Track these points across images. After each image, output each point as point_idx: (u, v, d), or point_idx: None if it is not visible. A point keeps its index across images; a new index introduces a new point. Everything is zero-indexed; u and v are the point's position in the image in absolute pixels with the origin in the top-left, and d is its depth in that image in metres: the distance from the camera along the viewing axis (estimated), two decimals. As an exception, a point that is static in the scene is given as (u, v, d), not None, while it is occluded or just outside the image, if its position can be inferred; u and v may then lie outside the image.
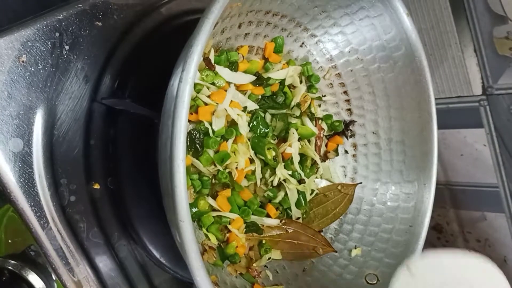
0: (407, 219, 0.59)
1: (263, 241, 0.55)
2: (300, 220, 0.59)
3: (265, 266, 0.56)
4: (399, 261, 0.56)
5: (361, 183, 0.62)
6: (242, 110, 0.53)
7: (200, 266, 0.38)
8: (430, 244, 0.90)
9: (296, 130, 0.59)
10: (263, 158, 0.54)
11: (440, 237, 0.88)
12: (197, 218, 0.51)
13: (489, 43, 0.69)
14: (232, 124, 0.52)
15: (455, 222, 0.85)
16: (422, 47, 0.57)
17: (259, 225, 0.55)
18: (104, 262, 0.50)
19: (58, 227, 0.46)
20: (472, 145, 0.77)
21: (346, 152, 0.64)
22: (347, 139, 0.63)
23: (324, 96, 0.63)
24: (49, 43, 0.47)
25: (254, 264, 0.54)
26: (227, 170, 0.52)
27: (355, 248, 0.59)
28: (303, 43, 0.60)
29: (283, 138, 0.59)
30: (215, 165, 0.50)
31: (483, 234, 0.82)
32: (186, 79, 0.37)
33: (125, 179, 0.51)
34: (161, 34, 0.55)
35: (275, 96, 0.58)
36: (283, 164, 0.57)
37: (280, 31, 0.58)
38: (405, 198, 0.60)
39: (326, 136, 0.64)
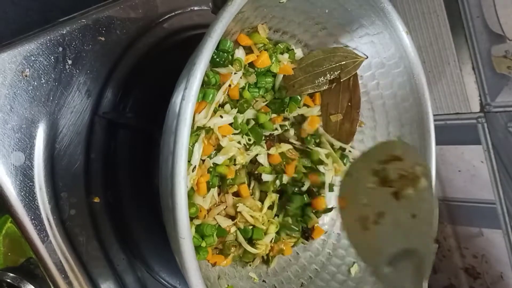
0: (405, 235, 0.59)
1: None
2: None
3: (264, 281, 0.56)
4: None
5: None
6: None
7: (200, 282, 0.39)
8: (427, 259, 0.89)
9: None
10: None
11: (437, 252, 0.88)
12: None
13: (487, 61, 0.69)
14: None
15: (452, 238, 0.85)
16: (421, 65, 0.57)
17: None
18: (102, 276, 0.50)
19: (58, 241, 0.47)
20: (469, 161, 0.77)
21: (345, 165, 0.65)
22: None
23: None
24: (52, 57, 0.47)
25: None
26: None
27: (353, 264, 0.59)
28: (303, 59, 0.61)
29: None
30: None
31: (479, 250, 0.82)
32: (189, 97, 0.38)
33: (124, 193, 0.51)
34: (162, 49, 0.56)
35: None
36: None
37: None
38: (403, 214, 0.60)
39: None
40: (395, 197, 0.48)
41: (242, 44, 0.52)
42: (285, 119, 0.59)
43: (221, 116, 0.50)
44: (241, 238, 0.54)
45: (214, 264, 0.53)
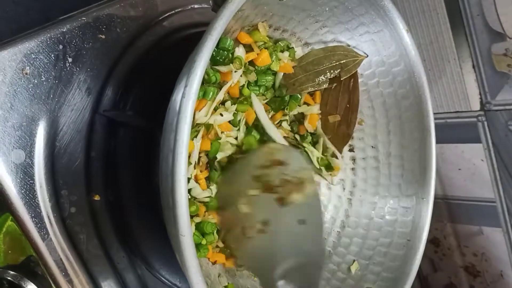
0: (405, 233, 0.59)
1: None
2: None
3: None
4: (397, 275, 0.56)
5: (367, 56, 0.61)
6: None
7: (200, 280, 0.39)
8: (427, 257, 0.90)
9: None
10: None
11: (437, 250, 0.88)
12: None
13: (487, 60, 0.69)
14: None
15: (452, 236, 0.85)
16: (421, 63, 0.57)
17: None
18: (103, 274, 0.50)
19: (58, 239, 0.47)
20: (469, 160, 0.77)
21: (345, 166, 0.65)
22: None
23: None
24: (52, 55, 0.47)
25: None
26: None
27: (353, 262, 0.59)
28: (303, 57, 0.61)
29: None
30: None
31: (480, 248, 0.83)
32: (189, 94, 0.38)
33: (125, 191, 0.51)
34: (163, 47, 0.55)
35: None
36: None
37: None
38: (403, 212, 0.61)
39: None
40: (280, 203, 0.46)
41: (242, 42, 0.52)
42: (285, 115, 0.59)
43: (221, 114, 0.50)
44: None
45: (214, 263, 0.53)
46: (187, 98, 0.37)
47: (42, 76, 0.46)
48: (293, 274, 0.43)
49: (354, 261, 0.59)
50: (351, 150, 0.64)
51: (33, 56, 0.46)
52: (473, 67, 0.71)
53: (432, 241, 0.88)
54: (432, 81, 0.75)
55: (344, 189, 0.65)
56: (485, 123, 0.73)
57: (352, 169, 0.65)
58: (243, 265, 0.49)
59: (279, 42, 0.57)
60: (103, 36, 0.51)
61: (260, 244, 0.45)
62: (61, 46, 0.47)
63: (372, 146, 0.63)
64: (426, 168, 0.59)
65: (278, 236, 0.45)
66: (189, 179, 0.48)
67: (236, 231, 0.47)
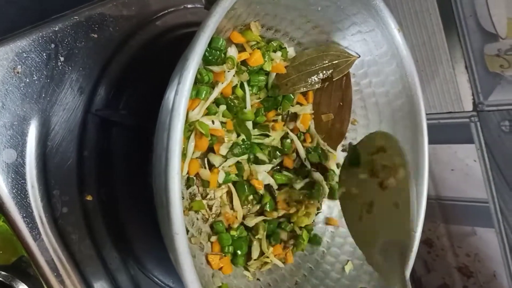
0: (399, 233, 0.59)
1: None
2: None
3: (258, 279, 0.56)
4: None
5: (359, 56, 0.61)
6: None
7: (194, 279, 0.38)
8: (421, 258, 0.90)
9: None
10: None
11: (430, 251, 0.88)
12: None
13: (480, 60, 0.70)
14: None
15: (445, 237, 0.85)
16: (414, 63, 0.58)
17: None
18: (95, 274, 0.50)
19: (50, 239, 0.46)
20: (462, 160, 0.77)
21: (338, 165, 0.65)
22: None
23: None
24: (44, 54, 0.47)
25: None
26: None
27: (348, 262, 0.59)
28: (296, 57, 0.61)
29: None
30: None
31: (473, 248, 0.83)
32: (182, 91, 0.37)
33: (118, 191, 0.51)
34: (156, 47, 0.55)
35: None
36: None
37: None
38: (396, 212, 0.60)
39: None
40: (381, 187, 0.50)
41: (235, 42, 0.52)
42: (278, 114, 0.59)
43: (213, 122, 0.50)
44: None
45: (208, 263, 0.52)
46: (180, 95, 0.37)
47: (34, 75, 0.46)
48: (388, 252, 0.47)
49: (348, 261, 0.59)
50: (344, 150, 0.64)
51: (25, 55, 0.46)
52: (466, 67, 0.71)
53: (425, 241, 0.88)
54: (425, 81, 0.76)
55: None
56: (478, 123, 0.73)
57: (346, 169, 0.64)
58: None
59: (272, 42, 0.57)
60: (96, 35, 0.50)
61: (366, 224, 0.50)
62: (53, 45, 0.47)
63: (365, 146, 0.63)
64: (419, 168, 0.59)
65: (379, 218, 0.49)
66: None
67: (352, 213, 0.53)
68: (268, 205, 0.57)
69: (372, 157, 0.52)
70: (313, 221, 0.62)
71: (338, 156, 0.63)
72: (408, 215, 0.46)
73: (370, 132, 0.55)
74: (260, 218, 0.56)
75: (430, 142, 0.59)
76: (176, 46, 0.47)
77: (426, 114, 0.59)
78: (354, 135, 0.64)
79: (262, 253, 0.56)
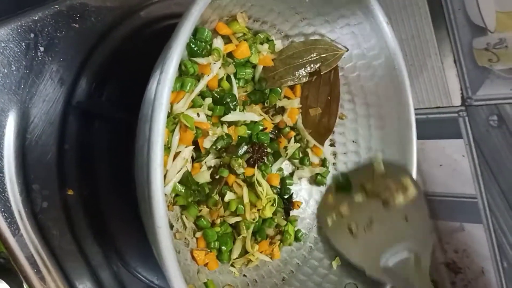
0: (388, 229, 0.58)
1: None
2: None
3: (244, 275, 0.55)
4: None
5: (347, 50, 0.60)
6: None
7: (178, 274, 0.37)
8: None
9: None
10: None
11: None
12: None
13: (468, 54, 0.69)
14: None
15: (433, 233, 0.85)
16: (402, 56, 0.57)
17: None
18: (77, 271, 0.48)
19: (30, 234, 0.45)
20: (450, 155, 0.77)
21: (325, 161, 0.64)
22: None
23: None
24: (23, 44, 0.45)
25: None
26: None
27: (335, 257, 0.58)
28: (283, 50, 0.60)
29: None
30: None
31: (461, 244, 0.82)
32: (165, 80, 0.36)
33: (100, 185, 0.50)
34: (140, 38, 0.54)
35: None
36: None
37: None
38: (385, 206, 0.60)
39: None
40: (384, 206, 0.55)
41: (221, 33, 0.51)
42: (265, 108, 0.58)
43: (198, 115, 0.49)
44: None
45: (193, 258, 0.51)
46: (162, 85, 0.36)
47: (12, 66, 0.45)
48: (400, 266, 0.50)
49: (335, 256, 0.58)
50: (332, 144, 0.64)
51: (3, 45, 0.44)
52: (455, 62, 0.71)
53: (414, 238, 0.87)
54: (413, 76, 0.75)
55: (325, 184, 0.64)
56: (466, 118, 0.73)
57: (333, 164, 0.64)
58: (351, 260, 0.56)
59: (259, 34, 0.56)
60: (77, 25, 0.49)
61: (365, 241, 0.54)
62: (32, 35, 0.46)
63: (353, 141, 0.63)
64: (408, 163, 0.59)
65: (383, 233, 0.53)
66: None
67: (342, 234, 0.57)
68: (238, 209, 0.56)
69: (371, 182, 0.57)
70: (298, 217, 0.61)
71: (325, 151, 0.62)
72: (422, 224, 0.53)
73: (365, 164, 0.61)
74: (238, 218, 0.55)
75: (418, 138, 0.59)
76: (160, 38, 0.46)
77: (415, 109, 0.58)
78: (342, 129, 0.63)
79: (247, 251, 0.55)
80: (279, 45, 0.59)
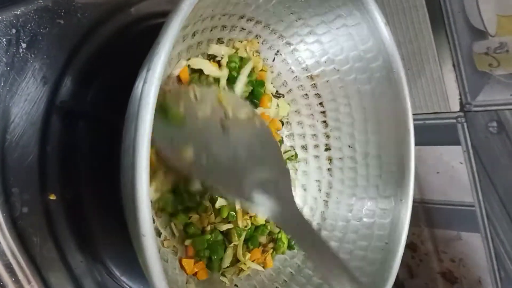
0: (383, 236, 0.57)
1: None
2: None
3: (235, 285, 0.53)
4: (375, 280, 0.53)
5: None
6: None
7: (164, 284, 0.35)
8: (404, 263, 0.88)
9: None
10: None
11: (414, 256, 0.86)
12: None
13: (468, 59, 0.68)
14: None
15: (429, 241, 0.83)
16: (400, 59, 0.55)
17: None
18: (58, 280, 0.46)
19: (8, 241, 0.42)
20: (448, 162, 0.76)
21: (321, 166, 0.62)
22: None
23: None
24: (4, 39, 0.43)
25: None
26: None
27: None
28: (278, 51, 0.58)
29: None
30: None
31: (458, 254, 0.81)
32: (151, 79, 0.34)
33: (84, 190, 0.48)
34: (128, 36, 0.52)
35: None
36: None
37: (255, 38, 0.55)
38: (381, 214, 0.58)
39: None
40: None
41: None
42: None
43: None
44: None
45: (182, 267, 0.49)
46: (149, 83, 0.34)
47: (-8, 62, 0.43)
48: (268, 185, 0.45)
49: (330, 266, 0.56)
50: (327, 149, 0.62)
51: (-18, 40, 0.42)
52: (453, 66, 0.69)
53: (409, 246, 0.86)
54: (411, 81, 0.73)
55: (320, 190, 0.62)
56: (465, 124, 0.71)
57: (329, 169, 0.62)
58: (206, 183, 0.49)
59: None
60: (62, 21, 0.47)
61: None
62: (14, 30, 0.44)
63: (349, 146, 0.61)
64: (405, 169, 0.57)
65: (237, 148, 0.47)
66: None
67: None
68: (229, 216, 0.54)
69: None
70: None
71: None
72: (276, 154, 0.48)
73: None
74: (230, 225, 0.53)
75: (415, 144, 0.57)
76: (150, 36, 0.44)
77: (412, 114, 0.57)
78: (338, 134, 0.61)
79: (238, 260, 0.53)
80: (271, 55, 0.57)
